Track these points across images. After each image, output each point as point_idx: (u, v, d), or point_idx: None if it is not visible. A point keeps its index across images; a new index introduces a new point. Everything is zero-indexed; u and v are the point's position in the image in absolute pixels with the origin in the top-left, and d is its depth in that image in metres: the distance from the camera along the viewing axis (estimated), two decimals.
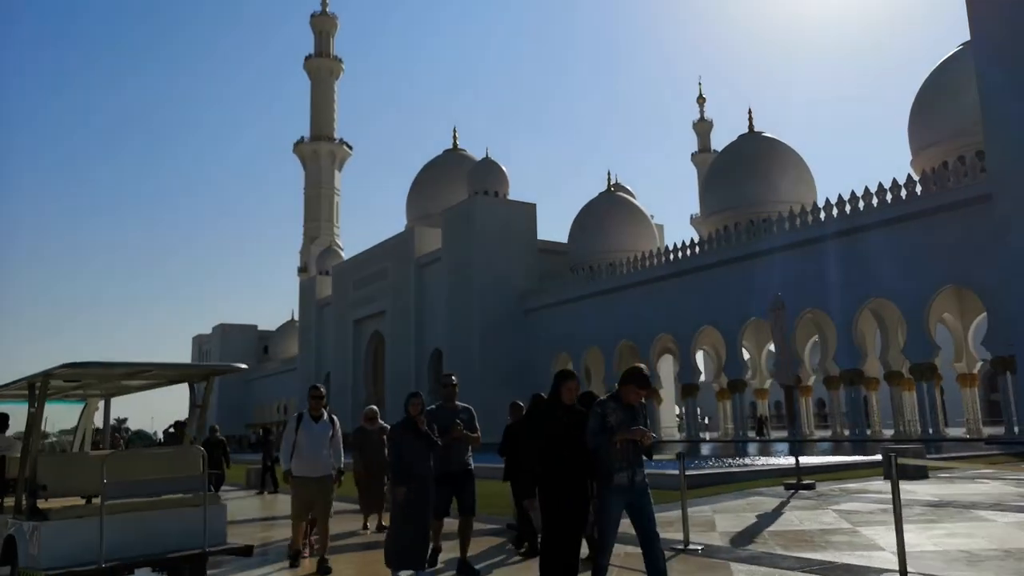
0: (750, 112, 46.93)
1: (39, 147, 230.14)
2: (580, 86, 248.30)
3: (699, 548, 7.82)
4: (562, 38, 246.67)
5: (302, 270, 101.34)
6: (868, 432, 35.55)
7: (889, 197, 32.22)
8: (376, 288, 65.67)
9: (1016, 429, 28.55)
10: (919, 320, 30.98)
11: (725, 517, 10.09)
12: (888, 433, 36.78)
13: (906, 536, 6.38)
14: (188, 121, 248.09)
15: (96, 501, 6.07)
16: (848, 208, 33.83)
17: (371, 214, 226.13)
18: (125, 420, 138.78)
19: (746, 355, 42.08)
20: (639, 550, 5.45)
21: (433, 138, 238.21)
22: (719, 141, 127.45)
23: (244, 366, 7.60)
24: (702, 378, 44.32)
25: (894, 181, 32.18)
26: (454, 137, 71.31)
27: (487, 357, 51.54)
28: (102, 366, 6.56)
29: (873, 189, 32.73)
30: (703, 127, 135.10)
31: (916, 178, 32.73)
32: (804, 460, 14.05)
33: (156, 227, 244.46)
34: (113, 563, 5.78)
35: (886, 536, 7.88)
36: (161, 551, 6.14)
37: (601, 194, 54.82)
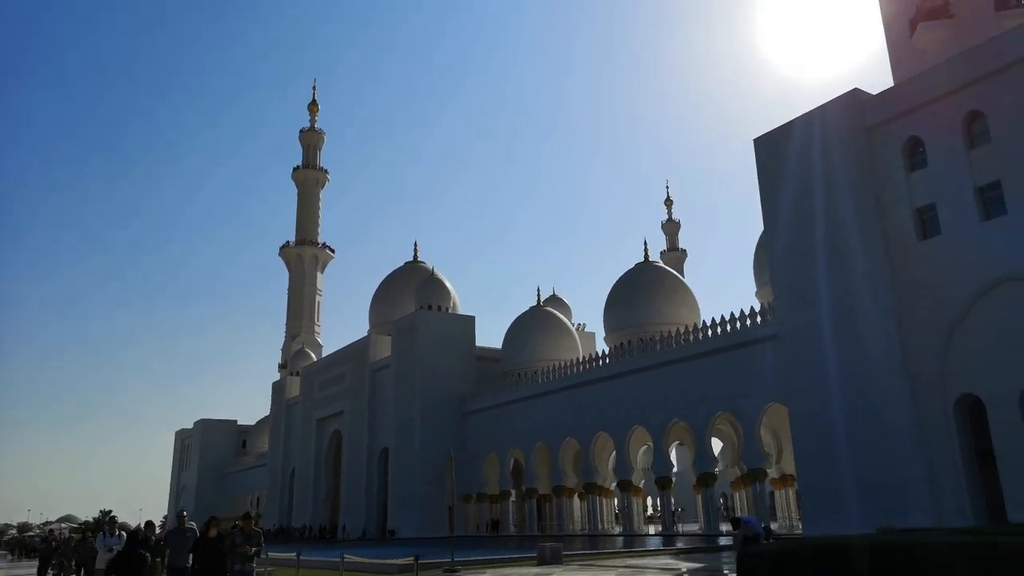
0: (645, 243, 54.64)
1: (38, 239, 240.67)
2: (541, 196, 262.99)
3: None
4: (528, 148, 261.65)
5: (282, 366, 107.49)
6: (722, 527, 41.06)
7: (729, 328, 38.96)
8: (337, 390, 71.85)
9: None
10: (752, 431, 37.13)
11: None
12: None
13: None
14: (179, 220, 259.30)
15: None
16: (700, 335, 40.56)
17: (351, 311, 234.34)
18: (110, 512, 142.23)
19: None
20: None
21: (408, 240, 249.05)
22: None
23: None
24: (612, 482, 50.06)
25: (732, 314, 38.99)
26: (415, 251, 79.19)
27: (426, 456, 57.19)
28: None
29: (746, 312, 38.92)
30: (671, 227, 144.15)
31: (760, 308, 39.50)
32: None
33: (145, 324, 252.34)
34: None
35: None
36: None
37: (531, 308, 61.79)
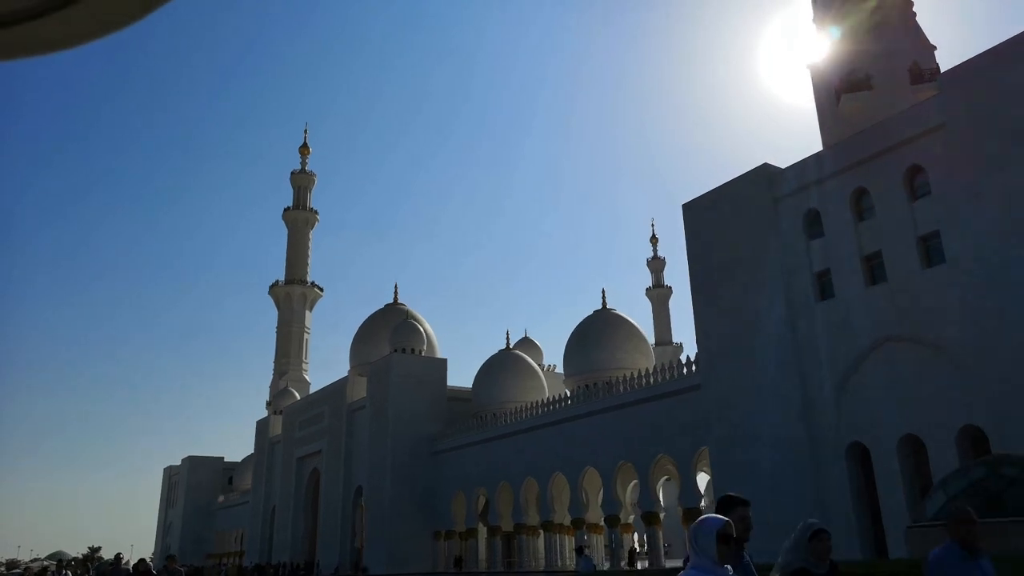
0: (603, 292, 57.81)
1: (28, 277, 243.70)
2: (522, 236, 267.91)
3: None
4: (510, 187, 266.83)
5: (270, 403, 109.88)
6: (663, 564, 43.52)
7: (667, 376, 41.89)
8: (316, 429, 74.40)
9: None
10: (688, 474, 39.85)
11: None
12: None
13: None
14: (171, 258, 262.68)
15: None
16: (643, 382, 43.47)
17: (341, 349, 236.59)
18: (99, 548, 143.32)
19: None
20: None
21: (399, 276, 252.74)
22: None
23: None
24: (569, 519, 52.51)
25: (671, 363, 41.96)
26: (395, 293, 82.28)
27: (397, 494, 59.67)
28: None
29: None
30: (657, 264, 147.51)
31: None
32: None
33: (137, 362, 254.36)
34: None
35: None
36: None
37: (500, 351, 64.71)
